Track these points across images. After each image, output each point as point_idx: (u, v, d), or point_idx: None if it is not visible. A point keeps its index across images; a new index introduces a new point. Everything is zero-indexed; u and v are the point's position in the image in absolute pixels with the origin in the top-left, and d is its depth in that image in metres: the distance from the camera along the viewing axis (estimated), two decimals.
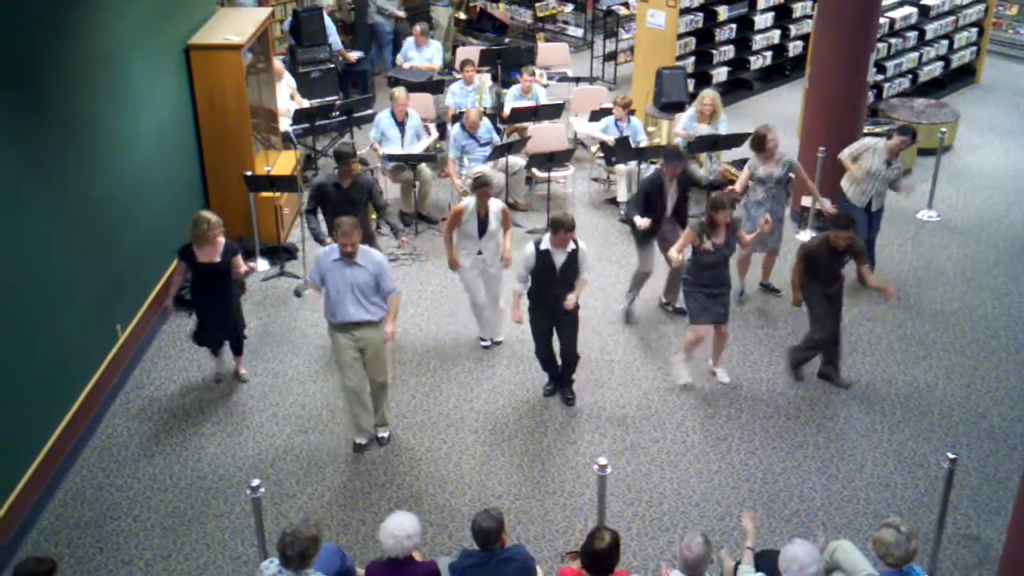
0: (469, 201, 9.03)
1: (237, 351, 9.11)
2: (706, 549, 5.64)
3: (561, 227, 8.04)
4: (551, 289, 8.30)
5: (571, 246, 8.19)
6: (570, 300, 8.30)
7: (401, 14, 15.77)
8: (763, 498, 7.76)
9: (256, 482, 6.52)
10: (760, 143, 9.69)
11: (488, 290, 9.43)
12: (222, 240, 8.52)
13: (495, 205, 9.05)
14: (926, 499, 7.72)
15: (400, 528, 5.64)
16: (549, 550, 7.28)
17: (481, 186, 8.98)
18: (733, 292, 9.38)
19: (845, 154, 10.16)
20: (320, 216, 9.31)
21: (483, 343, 9.57)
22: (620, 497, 7.73)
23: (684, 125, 11.73)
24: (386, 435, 8.36)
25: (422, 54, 14.17)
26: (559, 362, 8.80)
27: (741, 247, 9.01)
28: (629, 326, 9.88)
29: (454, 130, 11.76)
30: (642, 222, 9.41)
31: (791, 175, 10.01)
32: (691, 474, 8.01)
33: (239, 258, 8.67)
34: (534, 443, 8.35)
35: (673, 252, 8.76)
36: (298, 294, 10.32)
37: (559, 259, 8.19)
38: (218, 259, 8.49)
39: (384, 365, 8.11)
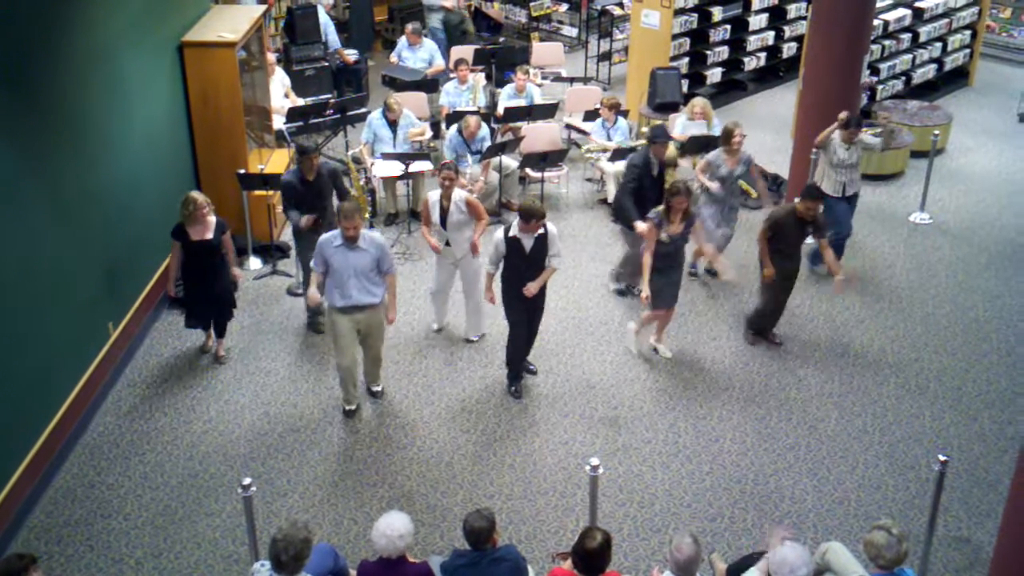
0: (434, 192, 9.19)
1: (220, 334, 9.34)
2: (696, 549, 5.64)
3: (532, 216, 8.15)
4: (523, 273, 8.42)
5: (540, 230, 8.30)
6: (530, 288, 8.42)
7: (450, 4, 15.64)
8: (755, 499, 7.76)
9: (247, 481, 6.51)
10: (728, 137, 9.83)
11: (465, 286, 9.48)
12: (212, 218, 8.81)
13: (458, 195, 9.15)
14: (917, 501, 7.74)
15: (392, 528, 5.63)
16: (540, 550, 7.28)
17: (443, 171, 9.10)
18: (687, 267, 9.95)
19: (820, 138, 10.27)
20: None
21: (434, 327, 9.80)
22: (612, 498, 7.73)
23: (680, 129, 11.78)
24: (379, 388, 8.81)
25: (416, 54, 14.14)
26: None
27: (697, 246, 9.32)
28: (624, 324, 9.87)
29: (451, 133, 11.76)
30: (641, 226, 9.19)
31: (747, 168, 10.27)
32: (683, 475, 8.02)
33: (228, 237, 8.95)
34: (526, 443, 8.35)
35: (646, 257, 8.81)
36: (291, 292, 10.31)
37: (528, 243, 8.31)
38: (210, 236, 8.78)
39: (381, 340, 8.56)
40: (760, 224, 9.27)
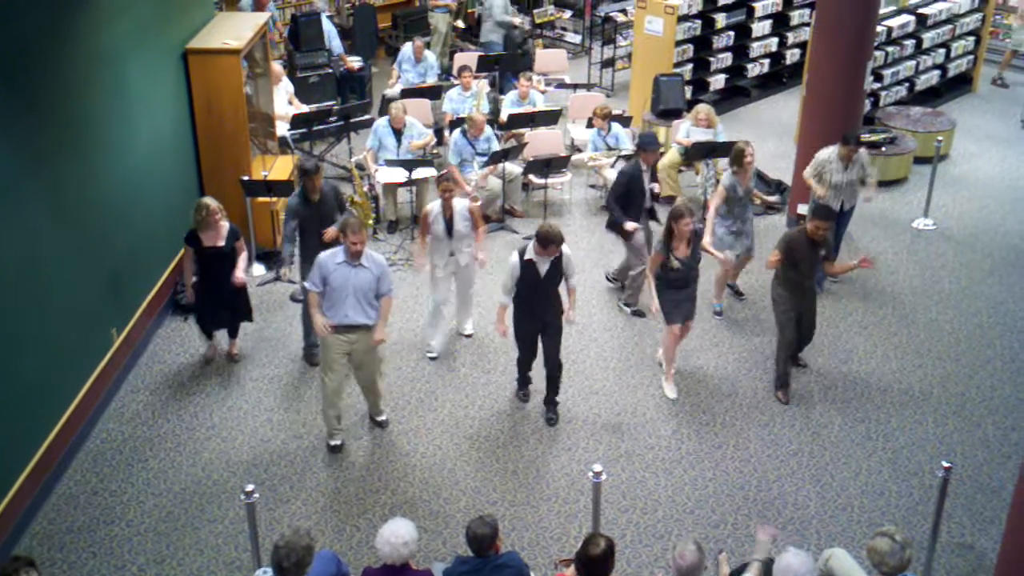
0: (435, 203, 9.06)
1: (233, 334, 9.40)
2: (699, 556, 5.62)
3: (551, 242, 7.98)
4: (536, 295, 8.29)
5: (556, 255, 8.17)
6: (572, 316, 8.47)
7: (518, 20, 15.48)
8: (757, 506, 7.75)
9: (250, 487, 6.52)
10: (739, 157, 9.66)
11: (460, 286, 9.49)
12: (225, 224, 8.81)
13: (460, 204, 9.06)
14: (920, 507, 7.72)
15: (397, 535, 5.62)
16: (543, 557, 7.27)
17: (442, 182, 9.02)
18: (711, 309, 10.01)
19: (808, 174, 10.23)
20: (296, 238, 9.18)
21: (429, 355, 9.49)
22: (615, 504, 7.72)
23: (684, 133, 11.84)
24: (384, 418, 8.58)
25: (416, 69, 14.09)
26: (542, 371, 8.74)
27: (720, 263, 9.07)
28: (627, 330, 9.87)
29: (455, 136, 11.77)
30: (630, 226, 9.71)
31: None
32: (686, 481, 8.00)
33: (242, 242, 8.99)
34: (529, 449, 8.34)
35: (649, 277, 8.84)
36: (294, 299, 10.31)
37: (543, 268, 8.17)
38: (222, 243, 8.79)
39: (377, 363, 8.29)
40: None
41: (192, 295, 9.11)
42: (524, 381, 8.90)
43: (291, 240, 9.09)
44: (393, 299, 8.20)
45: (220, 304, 9.12)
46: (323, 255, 7.96)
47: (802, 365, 9.33)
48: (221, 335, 9.45)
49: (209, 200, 8.76)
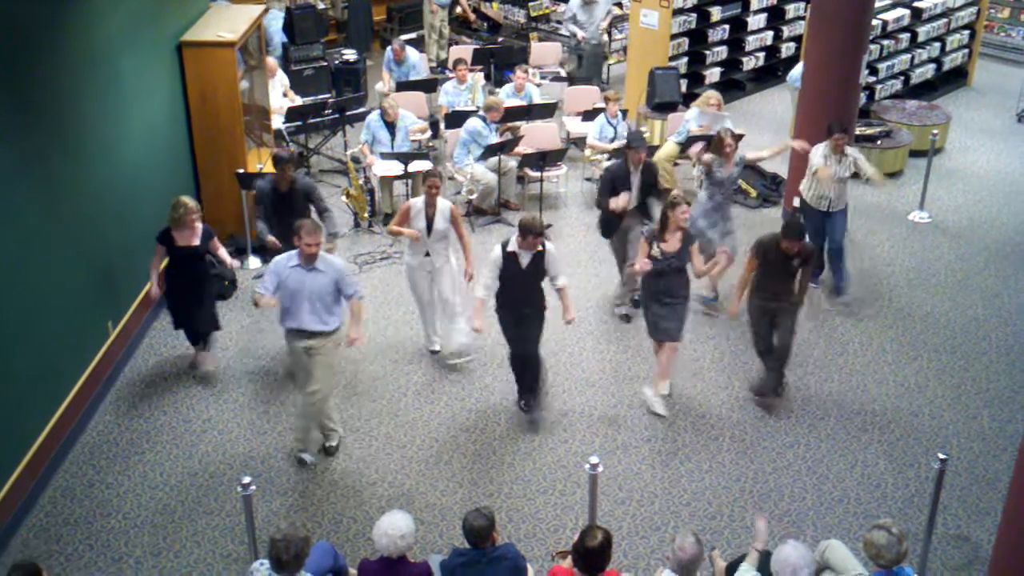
0: (418, 199, 8.89)
1: (204, 344, 9.14)
2: (699, 549, 5.63)
3: (530, 232, 7.94)
4: (516, 287, 8.19)
5: (538, 247, 8.11)
6: (570, 317, 8.30)
7: (581, 34, 14.78)
8: (754, 498, 7.77)
9: (247, 479, 6.52)
10: (720, 144, 9.57)
11: (436, 287, 9.08)
12: (200, 225, 8.66)
13: (443, 204, 8.83)
14: (916, 499, 7.74)
15: (394, 528, 5.62)
16: (540, 549, 7.28)
17: (428, 178, 8.79)
18: (703, 300, 9.82)
19: (817, 161, 9.97)
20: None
21: (432, 349, 9.43)
22: (611, 496, 7.73)
23: (697, 123, 11.66)
24: (335, 443, 8.19)
25: (400, 69, 14.01)
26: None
27: (694, 271, 8.57)
28: (622, 322, 9.88)
29: (474, 123, 11.68)
30: (617, 201, 9.34)
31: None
32: (682, 473, 8.02)
33: (216, 241, 8.81)
34: (525, 442, 8.35)
35: (636, 267, 8.47)
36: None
37: (525, 260, 8.10)
38: (196, 243, 8.64)
39: (330, 376, 7.95)
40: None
41: (157, 293, 8.93)
42: (524, 387, 8.71)
43: (264, 219, 9.05)
44: (363, 301, 7.98)
45: (191, 306, 8.87)
46: (277, 258, 7.77)
47: (778, 394, 8.82)
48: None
49: (187, 199, 8.57)
